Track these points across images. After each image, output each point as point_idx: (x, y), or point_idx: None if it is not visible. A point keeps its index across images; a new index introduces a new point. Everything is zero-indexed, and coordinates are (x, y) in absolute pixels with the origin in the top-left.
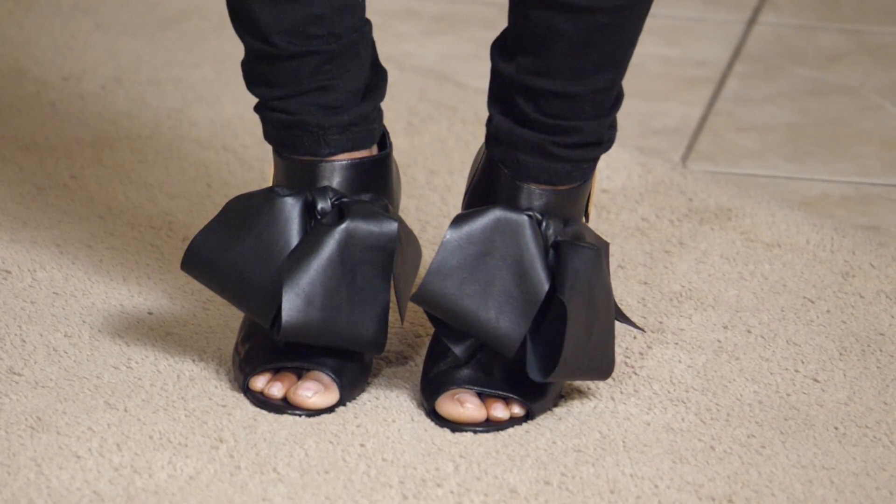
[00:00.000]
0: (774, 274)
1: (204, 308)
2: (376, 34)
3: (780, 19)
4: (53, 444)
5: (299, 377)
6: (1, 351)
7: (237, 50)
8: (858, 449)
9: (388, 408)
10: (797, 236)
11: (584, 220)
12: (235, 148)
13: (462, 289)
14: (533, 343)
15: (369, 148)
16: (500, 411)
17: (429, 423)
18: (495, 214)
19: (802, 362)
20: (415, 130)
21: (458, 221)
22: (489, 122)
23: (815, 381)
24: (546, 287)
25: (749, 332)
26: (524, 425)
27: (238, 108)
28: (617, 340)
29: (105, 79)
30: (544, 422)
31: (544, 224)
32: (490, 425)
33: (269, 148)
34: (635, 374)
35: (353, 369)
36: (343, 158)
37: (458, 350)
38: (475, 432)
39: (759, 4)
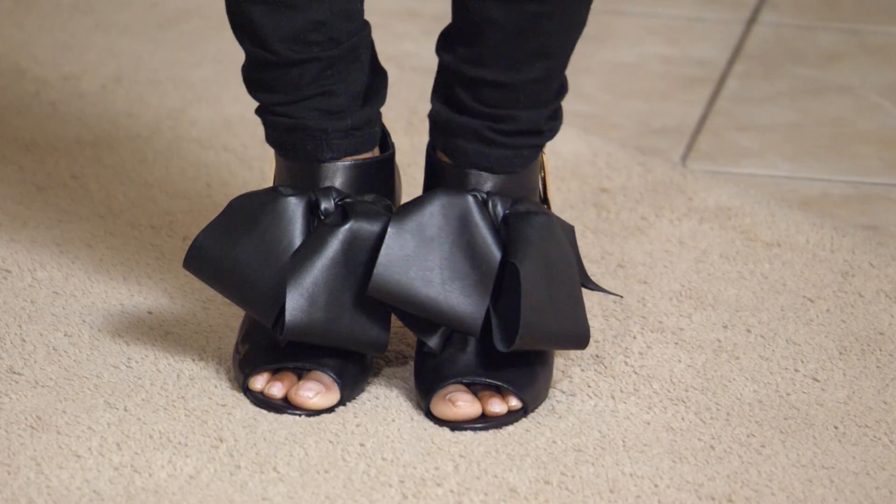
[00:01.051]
0: (774, 273)
1: (204, 307)
2: (376, 34)
3: (780, 19)
4: (53, 444)
5: (299, 377)
6: (1, 350)
7: (237, 50)
8: (858, 448)
9: (388, 407)
10: (797, 236)
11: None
12: (235, 148)
13: (412, 276)
14: (495, 315)
15: (371, 150)
16: (496, 406)
17: (428, 423)
18: (438, 198)
19: (802, 362)
20: (415, 130)
21: (400, 212)
22: (431, 111)
23: (815, 380)
24: (498, 258)
25: (749, 331)
26: (524, 423)
27: (238, 108)
28: (617, 340)
29: (105, 78)
30: (544, 421)
31: (490, 202)
32: (488, 420)
33: (269, 147)
34: (635, 373)
35: (354, 369)
36: (346, 160)
37: (430, 342)
38: (475, 430)
39: (759, 4)
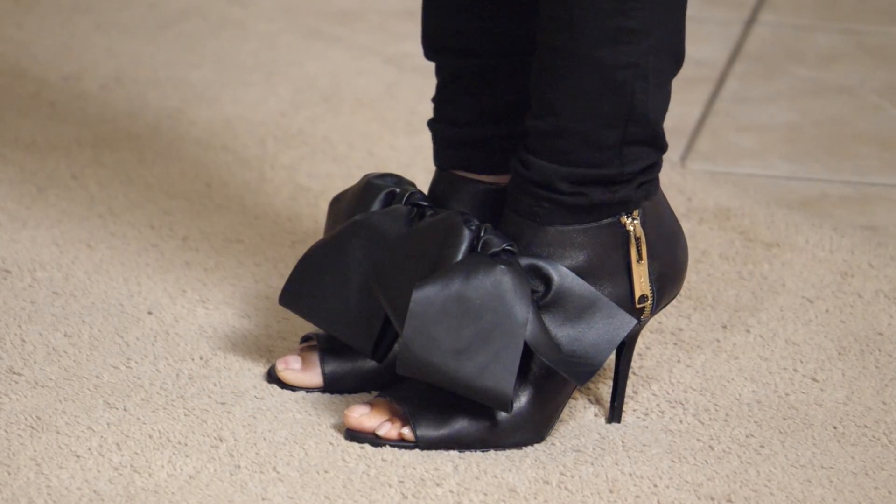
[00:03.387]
0: (773, 274)
1: (204, 307)
2: (376, 34)
3: (780, 19)
4: (53, 444)
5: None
6: (1, 350)
7: (237, 50)
8: (857, 448)
9: None
10: (796, 236)
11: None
12: (235, 148)
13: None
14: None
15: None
16: (384, 428)
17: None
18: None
19: (801, 362)
20: (414, 130)
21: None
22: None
23: (814, 380)
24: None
25: (748, 331)
26: None
27: (238, 108)
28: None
29: (105, 79)
30: None
31: (484, 232)
32: (378, 438)
33: (268, 147)
34: (634, 374)
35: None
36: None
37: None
38: (360, 441)
39: (758, 4)
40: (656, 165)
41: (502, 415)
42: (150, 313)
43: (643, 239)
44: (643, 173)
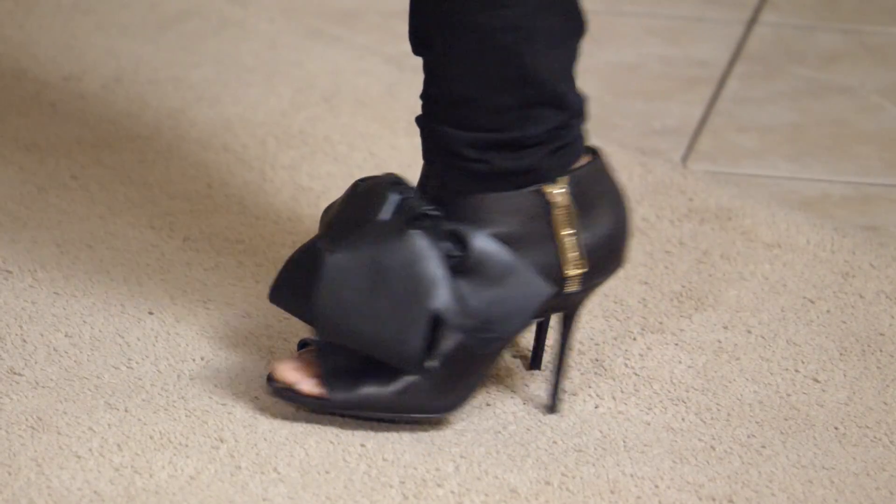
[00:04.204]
0: (774, 274)
1: (205, 307)
2: (377, 34)
3: (780, 19)
4: (54, 444)
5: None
6: (1, 351)
7: (237, 50)
8: (858, 449)
9: None
10: (797, 236)
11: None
12: (235, 148)
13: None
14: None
15: None
16: (303, 385)
17: (429, 424)
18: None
19: (802, 362)
20: (414, 130)
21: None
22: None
23: (816, 381)
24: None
25: (749, 332)
26: (525, 423)
27: (238, 108)
28: (617, 341)
29: (105, 79)
30: (545, 421)
31: (404, 194)
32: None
33: (268, 147)
34: (635, 374)
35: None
36: None
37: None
38: (279, 396)
39: (760, 4)
40: (566, 128)
41: (412, 381)
42: (150, 313)
43: (571, 208)
44: (551, 137)
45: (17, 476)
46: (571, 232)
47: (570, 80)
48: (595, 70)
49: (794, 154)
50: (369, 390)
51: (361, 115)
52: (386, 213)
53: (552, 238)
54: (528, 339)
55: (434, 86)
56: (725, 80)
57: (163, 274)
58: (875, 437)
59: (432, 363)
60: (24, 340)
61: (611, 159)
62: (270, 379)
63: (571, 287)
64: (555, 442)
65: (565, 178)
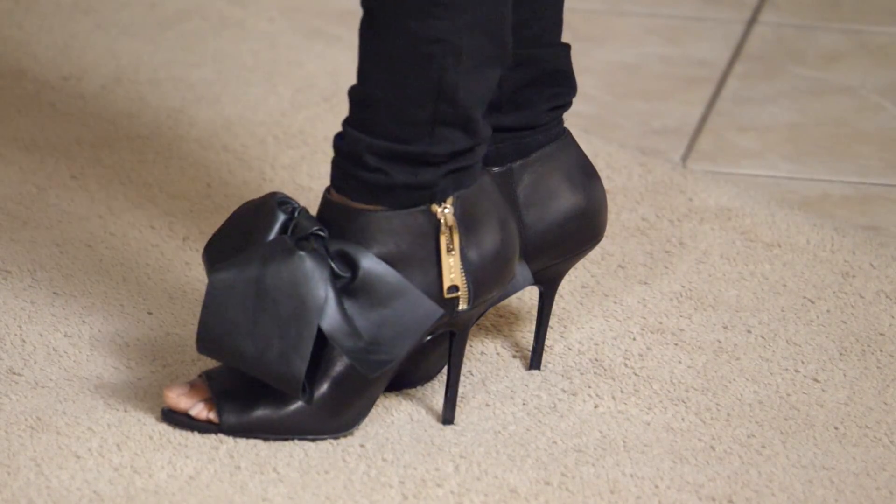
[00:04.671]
0: (774, 274)
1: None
2: None
3: (780, 19)
4: (53, 444)
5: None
6: (1, 351)
7: (237, 50)
8: (858, 449)
9: (388, 408)
10: (797, 236)
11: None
12: (235, 148)
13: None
14: None
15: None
16: (197, 410)
17: (429, 423)
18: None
19: (802, 362)
20: None
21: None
22: None
23: (816, 381)
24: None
25: (749, 332)
26: (525, 424)
27: (238, 108)
28: (617, 341)
29: (105, 79)
30: (545, 421)
31: (297, 212)
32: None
33: (268, 147)
34: (635, 374)
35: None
36: None
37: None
38: (174, 423)
39: (760, 4)
40: (470, 153)
41: (303, 404)
42: (150, 313)
43: (454, 229)
44: (453, 159)
45: (16, 476)
46: (455, 252)
47: (482, 107)
48: (595, 70)
49: (794, 154)
50: (261, 413)
51: None
52: (273, 232)
53: (436, 257)
54: (528, 338)
55: (357, 84)
56: (725, 79)
57: (163, 274)
58: (875, 437)
59: (320, 389)
60: (24, 340)
61: (611, 159)
62: (164, 408)
63: (460, 307)
64: (554, 442)
65: (450, 199)
